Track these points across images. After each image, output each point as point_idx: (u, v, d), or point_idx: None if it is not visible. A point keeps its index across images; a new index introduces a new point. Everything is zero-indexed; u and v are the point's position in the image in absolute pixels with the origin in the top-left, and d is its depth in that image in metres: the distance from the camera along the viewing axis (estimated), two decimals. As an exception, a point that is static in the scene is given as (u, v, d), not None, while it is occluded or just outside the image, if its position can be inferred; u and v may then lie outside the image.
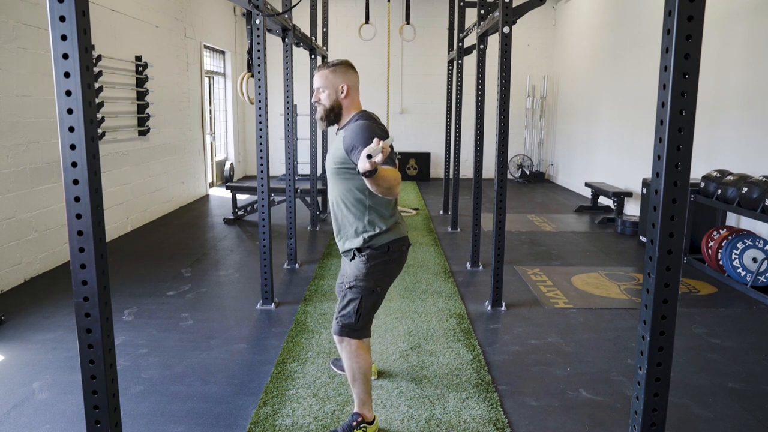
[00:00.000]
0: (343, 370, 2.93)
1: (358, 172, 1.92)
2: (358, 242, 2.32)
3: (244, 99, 4.07)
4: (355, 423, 2.41)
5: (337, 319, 2.36)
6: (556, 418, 2.63)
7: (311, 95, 6.57)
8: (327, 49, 7.15)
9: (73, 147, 1.50)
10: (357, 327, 2.33)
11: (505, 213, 4.02)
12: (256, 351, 3.32)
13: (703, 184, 5.01)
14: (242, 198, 8.03)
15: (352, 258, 2.36)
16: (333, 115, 2.34)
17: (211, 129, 9.71)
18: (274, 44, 9.04)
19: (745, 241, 4.56)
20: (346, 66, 2.36)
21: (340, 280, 2.55)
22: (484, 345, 3.41)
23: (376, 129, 2.22)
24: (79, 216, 1.53)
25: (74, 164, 1.51)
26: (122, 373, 2.99)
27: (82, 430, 2.41)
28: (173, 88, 7.75)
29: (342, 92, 2.32)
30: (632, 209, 7.34)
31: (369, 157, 1.81)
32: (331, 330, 2.40)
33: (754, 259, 4.49)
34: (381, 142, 1.82)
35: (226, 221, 6.92)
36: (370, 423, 2.44)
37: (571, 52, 10.45)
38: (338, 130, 2.40)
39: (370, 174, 1.85)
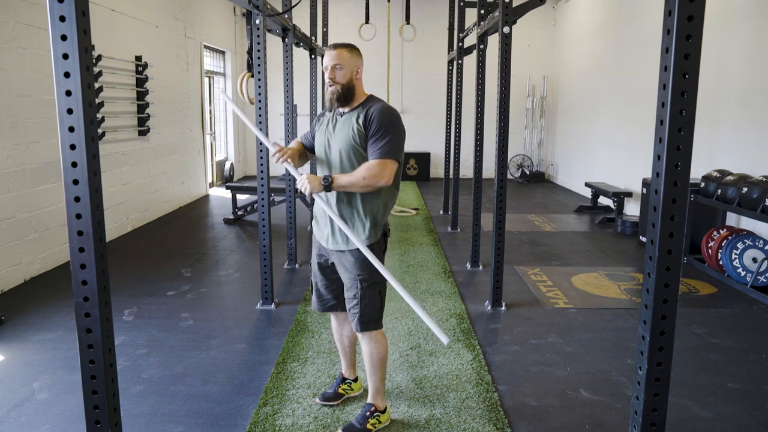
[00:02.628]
0: (328, 401, 2.72)
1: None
2: (368, 229, 2.32)
3: (244, 99, 4.07)
4: (368, 413, 2.47)
5: (359, 317, 2.37)
6: (556, 418, 2.63)
7: (312, 91, 6.62)
8: (327, 49, 7.14)
9: (73, 147, 1.50)
10: (379, 317, 2.41)
11: (505, 213, 4.02)
12: (256, 351, 3.32)
13: (703, 184, 5.01)
14: (242, 198, 8.03)
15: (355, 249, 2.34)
16: (344, 96, 2.32)
17: (211, 129, 9.71)
18: (274, 44, 9.04)
19: (745, 241, 4.56)
20: (358, 49, 2.40)
21: (324, 281, 2.52)
22: (484, 345, 3.41)
23: (401, 127, 2.32)
24: (79, 216, 1.53)
25: (74, 164, 1.51)
26: (122, 373, 2.99)
27: (82, 430, 2.41)
28: (173, 88, 7.74)
29: (357, 74, 2.34)
30: (632, 209, 7.34)
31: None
32: (353, 329, 2.43)
33: (754, 259, 4.49)
34: (307, 182, 2.23)
35: (226, 221, 6.92)
36: (383, 412, 2.51)
37: (571, 52, 10.45)
38: (345, 112, 2.37)
39: (327, 189, 2.24)
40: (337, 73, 2.30)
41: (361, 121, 2.29)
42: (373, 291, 2.36)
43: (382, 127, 2.25)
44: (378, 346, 2.43)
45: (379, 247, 2.37)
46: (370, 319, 2.37)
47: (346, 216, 2.33)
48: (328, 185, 2.23)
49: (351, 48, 2.35)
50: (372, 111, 2.29)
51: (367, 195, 2.31)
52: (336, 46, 2.34)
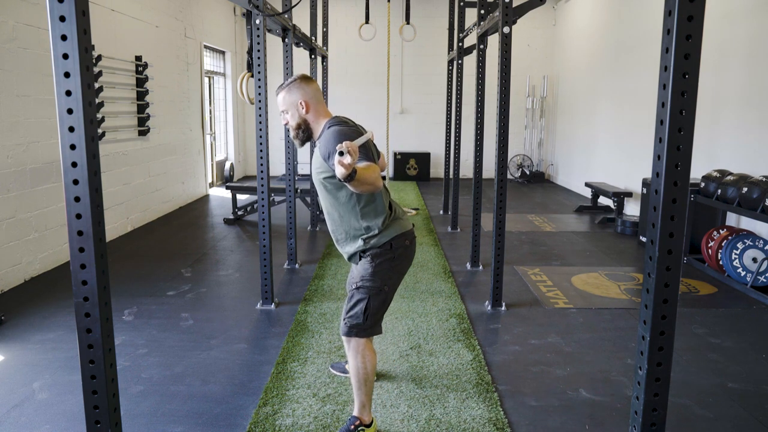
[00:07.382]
0: (342, 372, 2.95)
1: (339, 180, 1.92)
2: (359, 245, 2.33)
3: (244, 99, 4.07)
4: (353, 426, 2.40)
5: (344, 319, 2.35)
6: (556, 418, 2.63)
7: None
8: (327, 49, 7.15)
9: (73, 147, 1.50)
10: (365, 326, 2.33)
11: (505, 213, 4.02)
12: (256, 351, 3.32)
13: (703, 184, 5.01)
14: (242, 198, 8.03)
15: (359, 260, 2.37)
16: (303, 132, 2.35)
17: (211, 129, 9.71)
18: (274, 44, 9.04)
19: (745, 241, 4.56)
20: (300, 81, 2.33)
21: (349, 279, 2.55)
22: (484, 345, 3.41)
23: (347, 131, 2.21)
24: (79, 216, 1.53)
25: (74, 164, 1.50)
26: (122, 373, 2.99)
27: (82, 430, 2.41)
28: (173, 88, 7.74)
29: (302, 108, 2.31)
30: (632, 209, 7.34)
31: (341, 154, 1.77)
32: (339, 331, 2.38)
33: (754, 259, 4.49)
34: (349, 143, 1.81)
35: (226, 221, 6.92)
36: (368, 426, 2.44)
37: (571, 52, 10.45)
38: (316, 142, 2.39)
39: (350, 178, 1.85)
40: (286, 117, 2.34)
41: (318, 151, 2.29)
42: (362, 295, 2.32)
43: (326, 151, 2.20)
44: (362, 361, 2.35)
45: (379, 257, 2.31)
46: (353, 324, 2.32)
47: (336, 229, 2.39)
48: (353, 173, 1.93)
49: (289, 87, 2.32)
50: (319, 142, 2.28)
51: (348, 213, 2.31)
52: (277, 90, 2.35)
